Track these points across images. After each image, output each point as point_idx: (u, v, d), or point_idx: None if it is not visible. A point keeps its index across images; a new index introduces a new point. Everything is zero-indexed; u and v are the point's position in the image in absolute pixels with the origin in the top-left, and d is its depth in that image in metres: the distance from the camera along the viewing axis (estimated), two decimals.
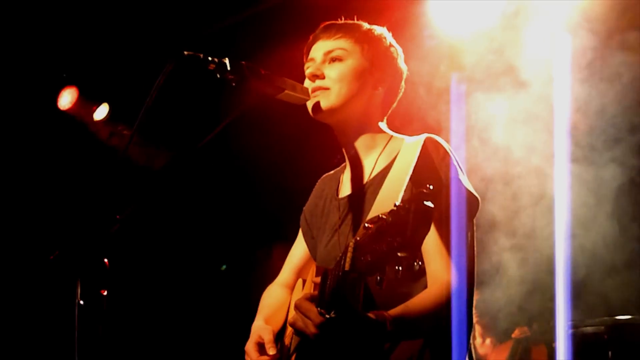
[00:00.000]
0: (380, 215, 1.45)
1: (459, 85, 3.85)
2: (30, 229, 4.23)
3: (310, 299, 1.60)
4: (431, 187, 1.40)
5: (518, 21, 3.74)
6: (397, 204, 1.42)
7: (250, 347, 1.90)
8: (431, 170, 1.78)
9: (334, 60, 1.89)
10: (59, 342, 3.40)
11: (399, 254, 1.41)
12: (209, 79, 1.71)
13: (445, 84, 3.81)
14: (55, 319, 3.39)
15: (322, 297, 1.57)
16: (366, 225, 1.47)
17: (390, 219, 1.42)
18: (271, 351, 1.86)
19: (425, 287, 1.75)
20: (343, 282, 1.51)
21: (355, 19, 1.99)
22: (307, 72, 1.92)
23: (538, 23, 3.72)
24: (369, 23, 1.99)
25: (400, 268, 1.41)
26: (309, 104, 1.89)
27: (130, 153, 1.66)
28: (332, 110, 1.88)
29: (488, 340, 4.32)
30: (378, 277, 1.45)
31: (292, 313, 1.70)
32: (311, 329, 1.57)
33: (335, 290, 1.53)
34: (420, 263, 1.42)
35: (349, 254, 1.48)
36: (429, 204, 1.38)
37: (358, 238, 1.48)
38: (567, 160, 3.71)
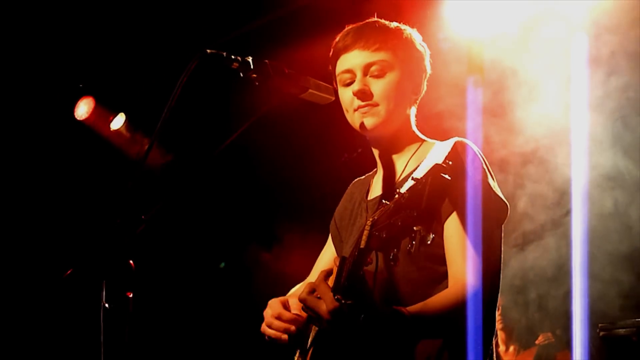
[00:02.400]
0: (399, 191, 1.46)
1: (476, 89, 3.82)
2: (56, 233, 4.25)
3: (326, 279, 1.58)
4: (450, 162, 1.41)
5: (534, 23, 3.72)
6: (415, 177, 1.43)
7: (274, 302, 1.87)
8: (459, 173, 1.74)
9: (376, 75, 1.87)
10: (85, 345, 3.39)
11: (414, 228, 1.41)
12: (231, 78, 1.69)
13: (461, 86, 3.79)
14: (81, 322, 3.38)
15: (338, 282, 1.54)
16: (384, 202, 1.48)
17: (407, 194, 1.42)
18: (295, 311, 1.83)
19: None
20: (359, 261, 1.50)
21: (376, 15, 1.97)
22: (355, 88, 1.88)
23: (555, 25, 3.69)
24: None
25: (413, 242, 1.42)
26: (357, 121, 1.87)
27: (149, 160, 1.64)
28: (382, 127, 1.88)
29: (512, 348, 4.26)
30: (392, 253, 1.44)
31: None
32: (324, 315, 1.53)
33: (352, 272, 1.51)
34: (433, 236, 1.42)
35: (365, 232, 1.48)
36: (446, 176, 1.38)
37: (375, 217, 1.48)
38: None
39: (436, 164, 1.40)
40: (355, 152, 3.98)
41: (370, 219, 1.48)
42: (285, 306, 1.87)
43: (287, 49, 3.46)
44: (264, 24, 3.91)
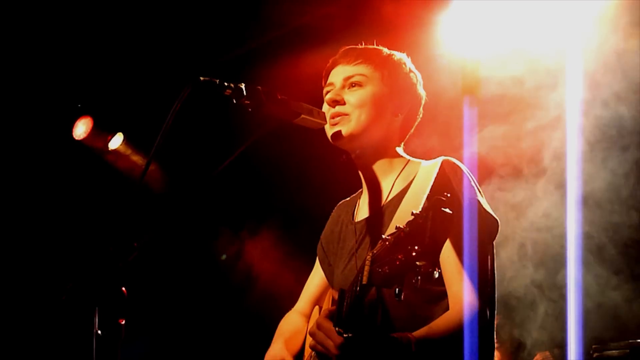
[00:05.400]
0: (398, 226, 1.45)
1: (471, 107, 3.84)
2: (48, 258, 4.24)
3: (330, 316, 1.59)
4: (448, 194, 1.41)
5: (530, 39, 3.75)
6: (415, 212, 1.43)
7: None
8: (449, 192, 1.76)
9: (353, 85, 1.90)
10: None
11: (417, 263, 1.40)
12: (225, 105, 1.71)
13: (456, 104, 3.80)
14: (73, 349, 3.37)
15: (339, 316, 1.56)
16: (384, 237, 1.47)
17: (408, 229, 1.42)
18: None
19: (447, 309, 1.74)
20: (361, 297, 1.50)
21: (375, 40, 2.00)
22: (327, 97, 1.93)
23: (550, 40, 3.72)
24: (379, 40, 2.00)
25: (419, 278, 1.41)
26: (329, 131, 1.90)
27: (147, 180, 1.66)
28: (352, 137, 1.88)
29: None
30: (397, 289, 1.44)
31: (310, 340, 1.67)
32: (332, 350, 1.55)
33: (353, 307, 1.52)
34: (439, 271, 1.43)
35: (366, 267, 1.48)
36: (447, 210, 1.38)
37: (375, 251, 1.48)
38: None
39: (436, 197, 1.40)
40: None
41: (370, 254, 1.48)
42: None
43: (282, 72, 3.49)
44: (261, 45, 3.94)
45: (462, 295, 1.70)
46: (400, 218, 1.76)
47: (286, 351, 1.90)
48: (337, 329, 1.53)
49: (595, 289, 3.73)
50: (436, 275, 1.40)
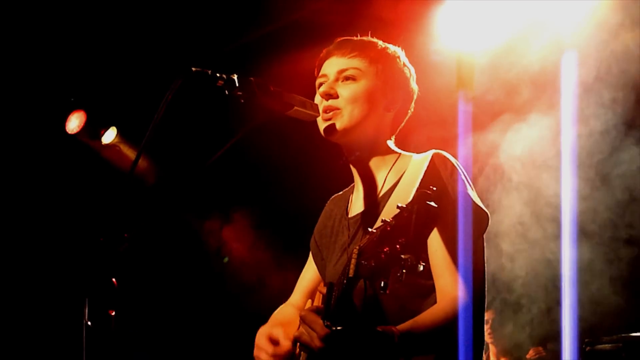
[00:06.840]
0: (384, 219, 1.45)
1: (466, 103, 3.84)
2: (39, 249, 4.23)
3: (316, 310, 1.59)
4: (434, 188, 1.41)
5: (525, 37, 3.75)
6: (400, 205, 1.43)
7: (262, 341, 1.86)
8: (438, 185, 1.76)
9: (347, 79, 1.89)
10: None
11: (402, 256, 1.41)
12: (217, 96, 1.70)
13: (451, 100, 3.81)
14: (63, 340, 3.36)
15: (327, 309, 1.56)
16: (370, 230, 1.48)
17: (393, 222, 1.43)
18: (286, 342, 1.83)
19: (435, 303, 1.73)
20: (348, 289, 1.50)
21: (370, 35, 1.98)
22: (320, 89, 1.92)
23: (545, 39, 3.73)
24: (374, 34, 1.99)
25: (404, 271, 1.41)
26: (321, 125, 1.89)
27: (138, 172, 1.65)
28: (345, 132, 1.87)
29: None
30: (382, 282, 1.44)
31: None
32: (316, 342, 1.55)
33: (341, 300, 1.52)
34: (424, 264, 1.43)
35: (353, 260, 1.48)
36: (432, 203, 1.39)
37: (362, 244, 1.49)
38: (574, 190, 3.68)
39: (421, 191, 1.40)
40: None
41: (357, 247, 1.48)
42: (272, 339, 1.86)
43: (276, 64, 3.49)
44: (257, 38, 3.93)
45: (449, 289, 1.70)
46: (388, 212, 1.75)
47: (279, 327, 1.88)
48: (325, 322, 1.53)
49: (590, 283, 3.74)
50: (420, 268, 1.41)
